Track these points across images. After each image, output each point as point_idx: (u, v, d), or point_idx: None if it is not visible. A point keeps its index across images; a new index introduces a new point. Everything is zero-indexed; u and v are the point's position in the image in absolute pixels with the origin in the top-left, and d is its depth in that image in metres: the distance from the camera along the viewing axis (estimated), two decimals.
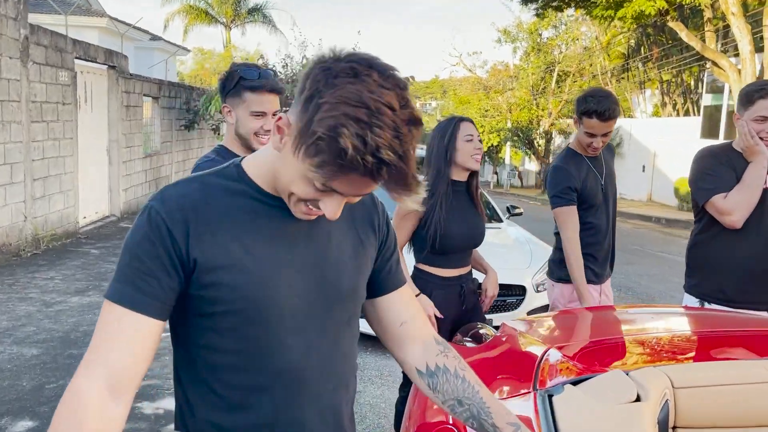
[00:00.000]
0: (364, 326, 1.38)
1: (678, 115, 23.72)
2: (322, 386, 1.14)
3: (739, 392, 1.39)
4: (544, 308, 4.68)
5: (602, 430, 1.21)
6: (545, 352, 1.65)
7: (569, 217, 2.90)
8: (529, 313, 4.81)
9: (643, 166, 22.81)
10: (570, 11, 25.66)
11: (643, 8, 14.12)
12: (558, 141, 28.09)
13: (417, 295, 2.58)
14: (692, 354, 1.70)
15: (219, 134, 16.29)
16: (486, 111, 28.87)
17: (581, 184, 2.93)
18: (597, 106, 2.78)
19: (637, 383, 1.33)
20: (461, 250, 2.67)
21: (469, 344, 2.12)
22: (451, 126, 2.65)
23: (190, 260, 1.03)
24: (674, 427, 1.38)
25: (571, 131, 27.49)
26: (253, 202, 1.09)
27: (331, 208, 1.00)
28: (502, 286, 4.54)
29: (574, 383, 1.40)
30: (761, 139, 2.49)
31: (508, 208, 7.09)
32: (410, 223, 2.62)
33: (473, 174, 2.70)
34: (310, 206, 1.02)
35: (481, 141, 2.70)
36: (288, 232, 1.10)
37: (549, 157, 27.23)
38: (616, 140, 24.46)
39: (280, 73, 12.97)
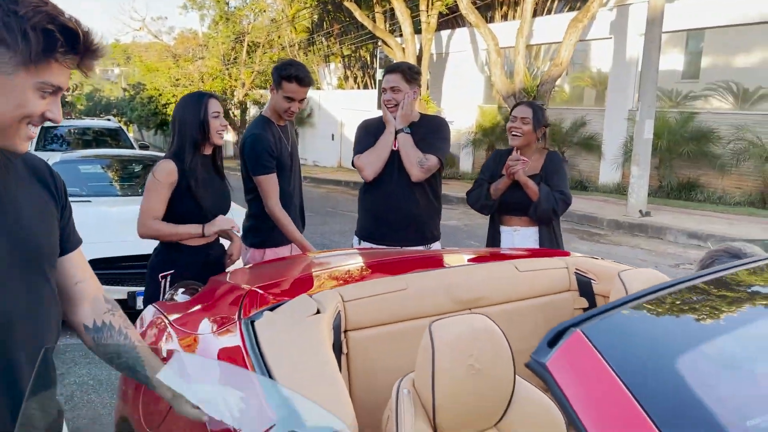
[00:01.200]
0: None
1: (359, 87, 26.16)
2: (29, 332, 1.26)
3: (386, 299, 1.89)
4: None
5: (294, 339, 1.57)
6: (247, 291, 1.95)
7: (273, 184, 3.10)
8: None
9: (332, 135, 24.73)
10: None
11: None
12: (253, 111, 28.63)
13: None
14: (356, 277, 2.19)
15: None
16: (177, 80, 27.87)
17: (277, 151, 3.18)
18: (297, 72, 3.10)
19: (317, 302, 1.72)
20: (209, 219, 2.79)
21: (182, 297, 2.33)
22: (202, 102, 2.73)
23: None
24: (345, 330, 1.82)
25: (265, 102, 28.26)
26: None
27: (59, 109, 1.16)
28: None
29: (271, 309, 1.74)
30: (389, 108, 3.14)
31: None
32: (164, 192, 2.67)
33: (217, 147, 2.86)
34: (34, 123, 1.15)
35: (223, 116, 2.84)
36: None
37: (245, 128, 27.64)
38: (307, 111, 25.96)
39: None
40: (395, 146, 3.15)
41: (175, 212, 2.72)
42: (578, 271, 2.23)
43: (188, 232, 2.72)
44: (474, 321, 1.39)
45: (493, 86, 13.96)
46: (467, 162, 17.65)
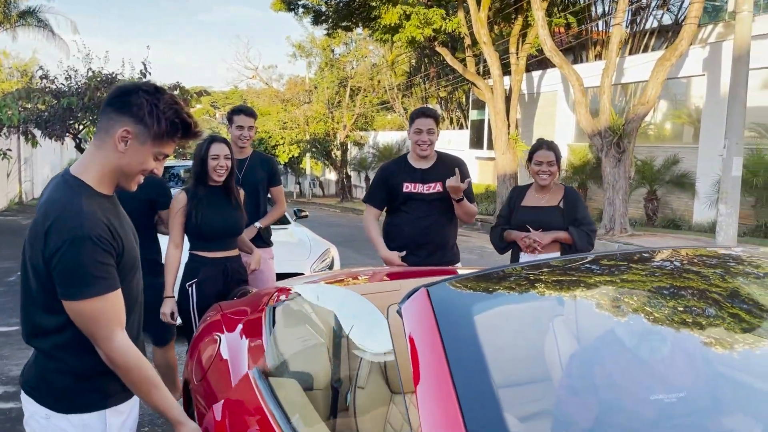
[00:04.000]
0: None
1: (455, 128, 26.82)
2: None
3: (374, 297, 2.42)
4: None
5: (297, 317, 2.12)
6: (279, 289, 2.54)
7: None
8: None
9: None
10: (359, 30, 27.66)
11: (413, 34, 16.13)
12: (354, 152, 29.97)
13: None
14: (363, 282, 2.72)
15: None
16: (285, 123, 29.78)
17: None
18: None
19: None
20: (221, 237, 3.46)
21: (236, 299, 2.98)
22: (204, 145, 3.44)
23: None
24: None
25: (364, 142, 29.55)
26: None
27: (162, 167, 1.72)
28: (285, 275, 5.49)
29: (290, 300, 2.31)
30: (423, 149, 3.66)
31: (295, 212, 8.06)
32: (180, 219, 3.38)
33: (229, 178, 3.49)
34: (144, 175, 1.71)
35: (228, 158, 3.46)
36: None
37: (346, 168, 28.97)
38: (404, 150, 26.91)
39: (62, 85, 12.60)
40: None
41: (186, 231, 3.39)
42: None
43: (171, 281, 3.35)
44: None
45: (579, 125, 14.08)
46: None
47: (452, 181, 3.56)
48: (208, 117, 53.56)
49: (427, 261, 3.64)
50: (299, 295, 2.32)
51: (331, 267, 6.22)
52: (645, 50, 17.88)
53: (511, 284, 1.50)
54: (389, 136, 29.19)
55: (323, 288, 2.35)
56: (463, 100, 26.73)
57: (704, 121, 13.83)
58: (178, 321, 3.41)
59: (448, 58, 17.59)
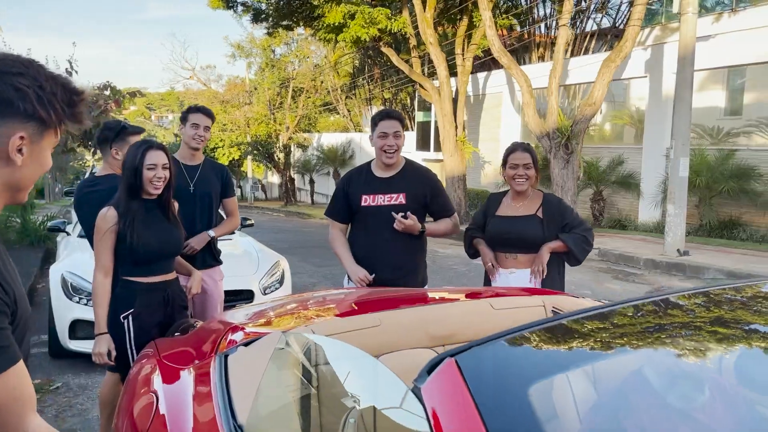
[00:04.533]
0: None
1: None
2: None
3: (360, 335, 2.00)
4: None
5: (258, 369, 1.69)
6: (230, 328, 2.10)
7: None
8: None
9: None
10: (300, 30, 27.08)
11: (358, 34, 15.74)
12: (297, 154, 29.36)
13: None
14: (331, 314, 2.31)
15: None
16: (224, 125, 28.92)
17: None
18: (384, 110, 3.40)
19: (288, 338, 1.85)
20: (159, 259, 2.96)
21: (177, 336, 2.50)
22: (139, 153, 2.91)
23: None
24: (316, 365, 1.94)
25: (307, 144, 28.97)
26: None
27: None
28: (231, 292, 5.01)
29: (246, 344, 1.87)
30: (389, 154, 3.27)
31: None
32: (109, 241, 2.85)
33: (165, 190, 2.98)
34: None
35: (166, 168, 2.95)
36: None
37: (289, 170, 28.34)
38: (349, 153, 26.51)
39: None
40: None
41: (116, 253, 2.87)
42: (555, 309, 2.29)
43: (103, 315, 2.84)
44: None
45: (526, 126, 14.04)
46: None
47: (399, 225, 3.20)
48: (143, 119, 51.67)
49: (387, 285, 3.24)
50: (257, 340, 1.90)
51: (281, 281, 5.75)
52: (585, 53, 18.09)
53: (562, 342, 1.14)
54: (334, 137, 28.74)
55: (292, 334, 1.94)
56: (408, 101, 26.54)
57: (647, 121, 14.02)
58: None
59: (394, 59, 17.30)
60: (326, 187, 28.23)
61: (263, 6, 19.90)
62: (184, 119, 3.73)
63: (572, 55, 17.92)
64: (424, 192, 3.33)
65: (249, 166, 30.75)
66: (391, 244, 3.25)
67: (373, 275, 3.23)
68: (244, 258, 6.03)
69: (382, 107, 28.63)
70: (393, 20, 16.01)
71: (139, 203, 2.89)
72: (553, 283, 3.27)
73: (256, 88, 31.13)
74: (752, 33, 11.79)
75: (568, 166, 12.42)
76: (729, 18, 12.29)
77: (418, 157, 20.91)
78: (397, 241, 3.26)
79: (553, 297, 2.39)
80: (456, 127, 16.06)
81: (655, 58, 13.57)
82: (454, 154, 16.02)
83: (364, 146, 25.80)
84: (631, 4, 12.50)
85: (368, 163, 3.49)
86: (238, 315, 2.61)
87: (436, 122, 19.18)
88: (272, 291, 5.58)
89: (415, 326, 2.07)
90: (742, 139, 12.73)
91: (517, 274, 3.29)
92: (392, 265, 3.25)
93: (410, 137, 22.31)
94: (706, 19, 13.01)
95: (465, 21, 16.87)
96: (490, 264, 3.36)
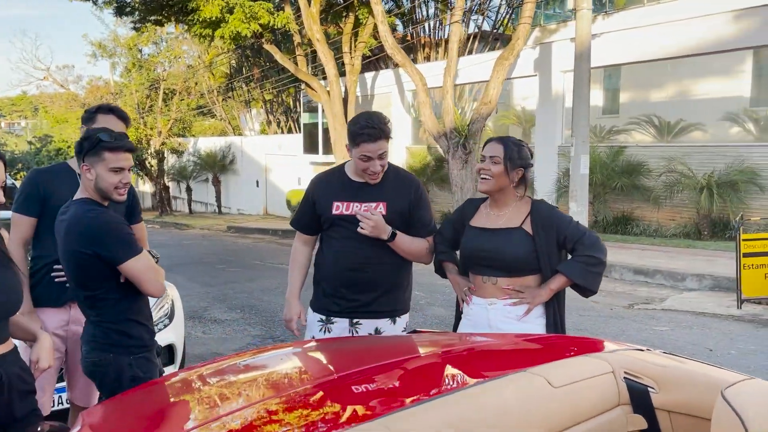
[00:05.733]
0: None
1: (282, 132, 25.45)
2: None
3: None
4: None
5: None
6: None
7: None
8: None
9: (257, 181, 23.78)
10: (170, 28, 25.20)
11: (239, 29, 14.57)
12: (172, 160, 27.34)
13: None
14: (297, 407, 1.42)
15: None
16: None
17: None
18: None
19: None
20: None
21: None
22: None
23: None
24: None
25: (183, 149, 27.03)
26: None
27: None
28: None
29: None
30: (372, 177, 2.62)
31: None
32: None
33: None
34: None
35: (1, 187, 2.00)
36: None
37: (164, 178, 26.29)
38: (230, 157, 24.99)
39: None
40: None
41: None
42: (628, 376, 1.57)
43: None
44: None
45: (422, 126, 13.61)
46: None
47: (366, 225, 2.59)
48: None
49: (365, 308, 2.69)
50: None
51: (171, 315, 4.64)
52: (470, 53, 18.07)
53: None
54: (212, 142, 27.04)
55: None
56: (291, 103, 25.46)
57: (538, 121, 14.08)
58: None
59: (278, 57, 16.28)
60: (205, 194, 26.49)
61: None
62: (89, 120, 2.77)
63: (459, 55, 17.82)
64: (407, 199, 2.73)
65: None
66: (366, 259, 2.65)
67: (310, 318, 2.78)
68: None
69: (262, 110, 27.34)
70: (276, 15, 15.01)
71: None
72: (555, 327, 2.59)
73: (122, 90, 28.75)
74: (625, 34, 12.08)
75: (466, 166, 12.10)
76: (603, 20, 12.56)
77: (305, 160, 20.00)
78: (374, 256, 2.65)
79: (618, 356, 1.65)
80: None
81: (544, 57, 13.64)
82: (346, 156, 15.28)
83: (245, 150, 24.43)
84: (521, 2, 12.42)
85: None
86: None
87: (324, 123, 18.36)
88: (160, 330, 4.48)
89: None
90: (624, 137, 13.08)
91: (498, 307, 2.57)
92: (367, 285, 2.68)
93: (296, 140, 21.35)
94: (572, 25, 13.28)
95: (351, 18, 16.23)
96: (465, 290, 2.64)
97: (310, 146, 20.10)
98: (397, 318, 2.76)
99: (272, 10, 15.05)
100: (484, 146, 2.68)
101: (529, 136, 15.11)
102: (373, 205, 2.65)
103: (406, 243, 2.68)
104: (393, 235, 2.62)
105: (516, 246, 2.56)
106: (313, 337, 2.76)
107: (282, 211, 20.91)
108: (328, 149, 18.12)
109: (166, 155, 26.71)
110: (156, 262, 2.45)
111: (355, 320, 2.70)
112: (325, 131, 18.29)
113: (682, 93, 12.60)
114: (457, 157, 12.11)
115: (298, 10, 15.47)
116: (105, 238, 2.20)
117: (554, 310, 2.61)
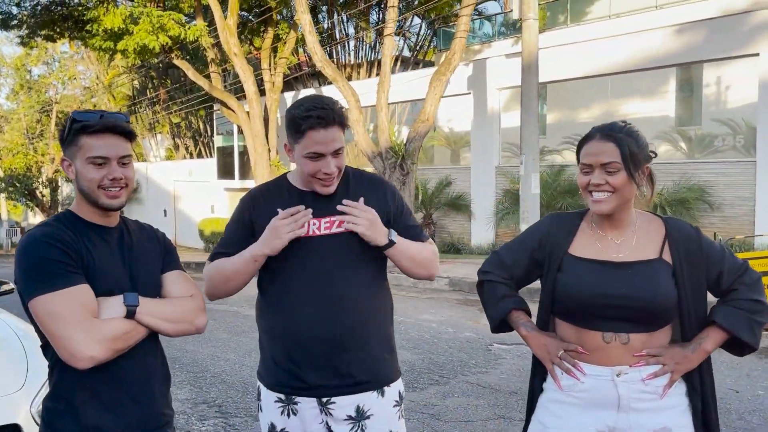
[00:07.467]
0: None
1: (192, 157, 23.77)
2: None
3: None
4: None
5: None
6: None
7: None
8: None
9: (165, 210, 21.96)
10: (64, 47, 23.08)
11: (146, 42, 13.13)
12: (67, 190, 24.95)
13: None
14: None
15: None
16: None
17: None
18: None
19: None
20: None
21: None
22: None
23: None
24: None
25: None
26: None
27: None
28: None
29: None
30: (326, 185, 1.85)
31: None
32: None
33: None
34: None
35: None
36: None
37: (57, 209, 23.88)
38: (137, 185, 23.04)
39: None
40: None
41: None
42: None
43: None
44: None
45: (356, 146, 12.66)
46: None
47: (363, 222, 1.82)
48: None
49: (340, 380, 1.83)
50: None
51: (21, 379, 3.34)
52: (392, 73, 17.45)
53: None
54: None
55: None
56: (201, 126, 23.83)
57: (473, 140, 13.52)
58: None
59: (190, 73, 14.91)
60: None
61: (14, 10, 16.21)
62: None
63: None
64: (383, 210, 1.92)
65: (3, 206, 25.50)
66: (340, 302, 1.83)
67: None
68: None
69: (168, 134, 25.49)
70: (187, 28, 13.69)
71: None
72: (704, 391, 1.67)
73: (7, 115, 26.25)
74: (548, 53, 11.76)
75: (404, 188, 11.25)
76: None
77: (220, 186, 18.53)
78: (350, 295, 1.84)
79: None
80: (269, 150, 14.15)
81: (478, 74, 13.13)
82: (268, 180, 14.09)
83: (151, 177, 22.56)
84: (456, 15, 11.86)
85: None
86: None
87: (240, 146, 17.04)
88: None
89: None
90: (556, 157, 12.73)
91: (631, 378, 1.64)
92: (343, 343, 1.83)
93: (208, 164, 19.85)
94: (507, 41, 12.94)
95: (270, 33, 15.15)
96: (563, 354, 1.69)
97: (225, 171, 18.65)
98: (386, 388, 1.88)
99: (183, 21, 13.74)
100: (580, 148, 1.71)
101: (459, 157, 14.54)
102: (336, 221, 1.84)
103: (412, 248, 1.90)
104: (392, 243, 1.85)
105: (665, 287, 1.63)
106: (273, 425, 1.89)
107: (194, 242, 19.24)
108: (245, 174, 16.80)
109: (60, 184, 24.34)
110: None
111: (326, 399, 1.84)
112: (242, 154, 16.98)
113: (609, 112, 12.40)
114: (394, 179, 11.24)
115: (211, 23, 14.23)
116: (18, 264, 1.54)
117: (699, 375, 1.71)
